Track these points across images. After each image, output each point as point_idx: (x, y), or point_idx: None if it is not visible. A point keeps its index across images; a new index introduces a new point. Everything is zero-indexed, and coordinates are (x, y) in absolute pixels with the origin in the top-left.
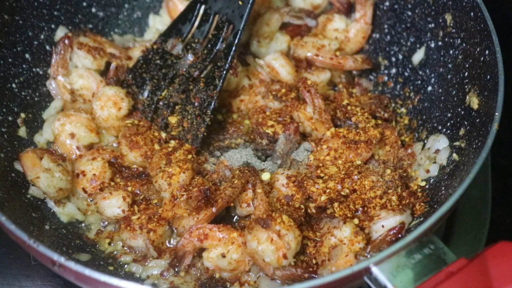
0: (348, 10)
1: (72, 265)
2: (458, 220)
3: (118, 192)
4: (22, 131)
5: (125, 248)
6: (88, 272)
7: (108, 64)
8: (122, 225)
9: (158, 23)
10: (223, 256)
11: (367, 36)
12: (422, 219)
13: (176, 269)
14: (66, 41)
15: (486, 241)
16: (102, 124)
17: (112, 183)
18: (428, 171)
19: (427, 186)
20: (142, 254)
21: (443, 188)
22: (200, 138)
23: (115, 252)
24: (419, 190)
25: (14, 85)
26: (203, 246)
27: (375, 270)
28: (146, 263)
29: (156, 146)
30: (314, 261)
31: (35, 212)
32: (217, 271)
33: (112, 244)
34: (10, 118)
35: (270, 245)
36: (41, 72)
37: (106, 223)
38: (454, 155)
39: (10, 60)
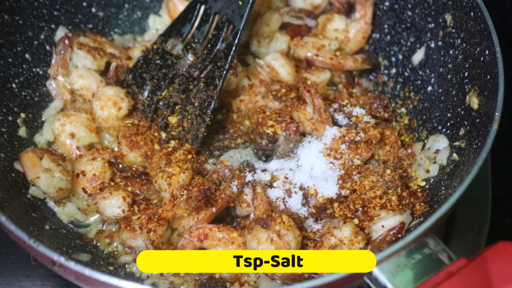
0: (348, 10)
1: (72, 265)
2: (458, 220)
3: (118, 192)
4: (22, 131)
5: (125, 248)
6: (88, 272)
7: (108, 64)
8: (122, 225)
9: (158, 23)
10: None
11: (367, 36)
12: (422, 219)
13: None
14: (66, 41)
15: (486, 241)
16: (102, 124)
17: (112, 183)
18: (428, 171)
19: (427, 186)
20: None
21: (443, 188)
22: (200, 138)
23: (115, 252)
24: (419, 190)
25: (14, 85)
26: (203, 246)
27: (375, 270)
28: None
29: (156, 146)
30: None
31: (35, 212)
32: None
33: (112, 244)
34: (10, 118)
35: (270, 245)
36: (41, 72)
37: (106, 223)
38: (454, 155)
39: (10, 60)
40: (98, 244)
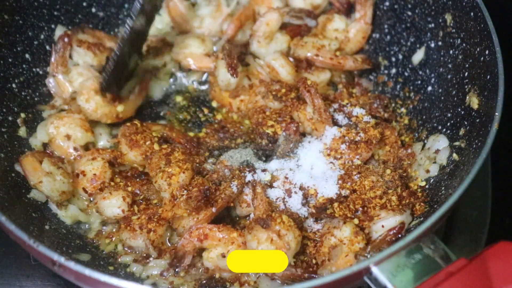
0: (348, 10)
1: (72, 265)
2: (458, 220)
3: (118, 192)
4: (22, 131)
5: (125, 248)
6: (88, 272)
7: (108, 58)
8: (122, 225)
9: (158, 23)
10: (223, 256)
11: (367, 36)
12: (422, 219)
13: (176, 269)
14: (66, 39)
15: (486, 241)
16: (93, 116)
17: (112, 183)
18: (428, 171)
19: (427, 186)
20: (142, 254)
21: (443, 188)
22: (109, 81)
23: (115, 252)
24: (419, 190)
25: (14, 85)
26: (203, 246)
27: (375, 270)
28: (146, 263)
29: (156, 146)
30: (314, 261)
31: (35, 212)
32: (217, 271)
33: (112, 244)
34: (10, 118)
35: (270, 245)
36: (41, 72)
37: (106, 223)
38: (454, 155)
39: (10, 60)
40: (98, 244)
